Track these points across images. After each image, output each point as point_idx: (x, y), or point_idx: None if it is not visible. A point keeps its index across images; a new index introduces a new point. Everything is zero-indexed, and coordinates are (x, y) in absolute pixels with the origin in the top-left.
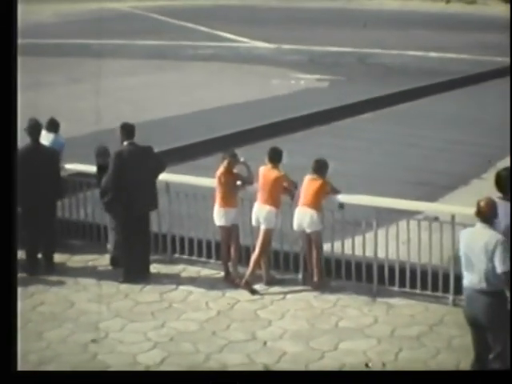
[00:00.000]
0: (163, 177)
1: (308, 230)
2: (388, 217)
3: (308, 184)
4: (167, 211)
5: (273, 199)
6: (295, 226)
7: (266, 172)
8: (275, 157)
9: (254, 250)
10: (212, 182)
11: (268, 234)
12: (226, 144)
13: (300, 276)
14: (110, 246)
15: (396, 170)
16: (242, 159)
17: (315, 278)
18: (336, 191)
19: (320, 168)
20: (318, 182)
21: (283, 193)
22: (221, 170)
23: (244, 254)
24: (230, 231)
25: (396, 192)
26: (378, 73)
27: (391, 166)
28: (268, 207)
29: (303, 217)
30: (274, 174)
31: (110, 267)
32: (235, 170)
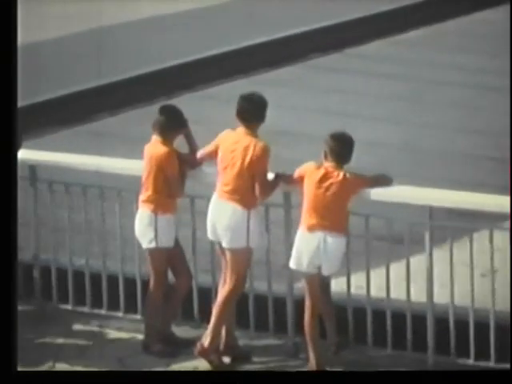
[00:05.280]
0: (25, 155)
1: (326, 273)
2: (451, 226)
3: (317, 182)
4: (33, 220)
5: (243, 190)
6: (303, 266)
7: (235, 140)
8: (254, 111)
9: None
10: (121, 165)
11: (240, 258)
12: (148, 90)
13: (296, 340)
14: None
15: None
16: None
17: (332, 346)
18: (372, 182)
19: (340, 150)
20: (340, 178)
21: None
22: (156, 147)
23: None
24: (168, 257)
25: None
26: None
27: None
28: (235, 206)
29: (316, 249)
30: (249, 143)
31: None
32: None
